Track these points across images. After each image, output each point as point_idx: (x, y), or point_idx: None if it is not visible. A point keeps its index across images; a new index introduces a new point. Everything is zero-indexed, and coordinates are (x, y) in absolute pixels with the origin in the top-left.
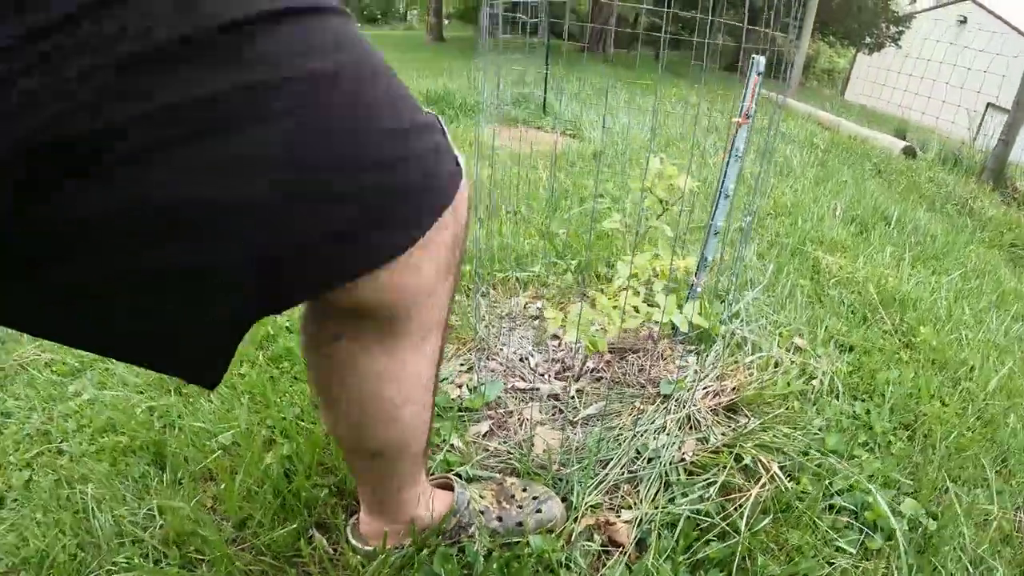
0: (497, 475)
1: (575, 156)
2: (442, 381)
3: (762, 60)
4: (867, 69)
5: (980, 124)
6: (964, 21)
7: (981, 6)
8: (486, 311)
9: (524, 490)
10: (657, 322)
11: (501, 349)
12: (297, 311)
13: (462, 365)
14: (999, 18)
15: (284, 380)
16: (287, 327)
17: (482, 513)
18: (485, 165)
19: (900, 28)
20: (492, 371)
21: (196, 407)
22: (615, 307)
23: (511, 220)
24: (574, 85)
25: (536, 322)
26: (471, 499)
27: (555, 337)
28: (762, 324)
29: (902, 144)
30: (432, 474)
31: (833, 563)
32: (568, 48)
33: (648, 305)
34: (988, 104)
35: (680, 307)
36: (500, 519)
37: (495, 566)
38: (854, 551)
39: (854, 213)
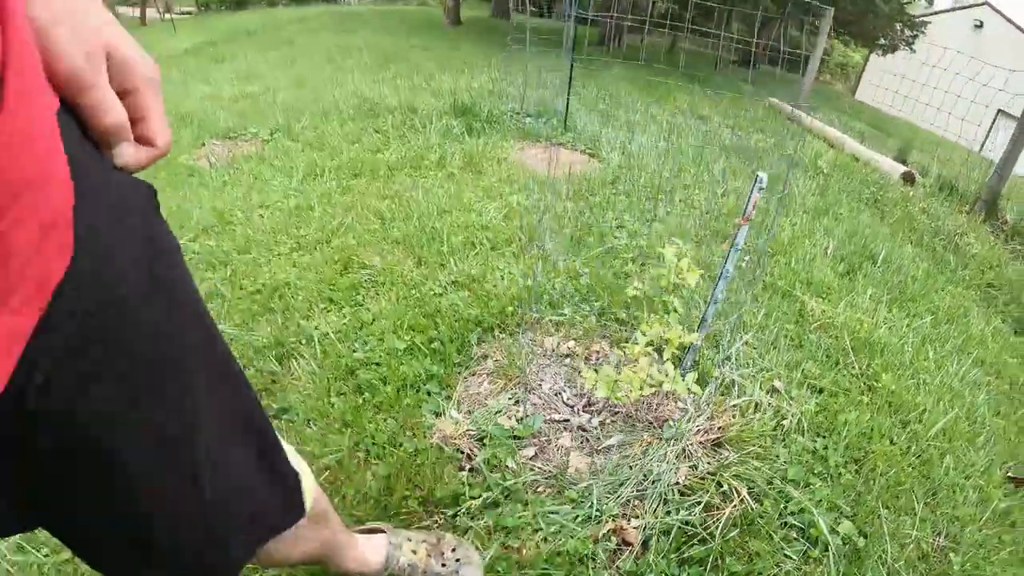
0: (443, 533)
1: (596, 184)
2: (496, 413)
3: (765, 177)
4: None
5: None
6: (980, 26)
7: (997, 11)
8: (528, 352)
9: (454, 550)
10: (667, 388)
11: (540, 384)
12: (380, 343)
13: (510, 399)
14: (1014, 24)
15: (368, 408)
16: (365, 360)
17: (410, 566)
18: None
19: (915, 32)
20: (534, 404)
21: (301, 432)
22: (635, 373)
23: (541, 258)
24: (591, 92)
25: (567, 359)
26: (403, 552)
27: (581, 374)
28: (749, 368)
29: (902, 169)
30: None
31: (781, 566)
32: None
33: (659, 362)
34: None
35: (683, 375)
36: (424, 573)
37: None
38: (797, 559)
39: (844, 252)
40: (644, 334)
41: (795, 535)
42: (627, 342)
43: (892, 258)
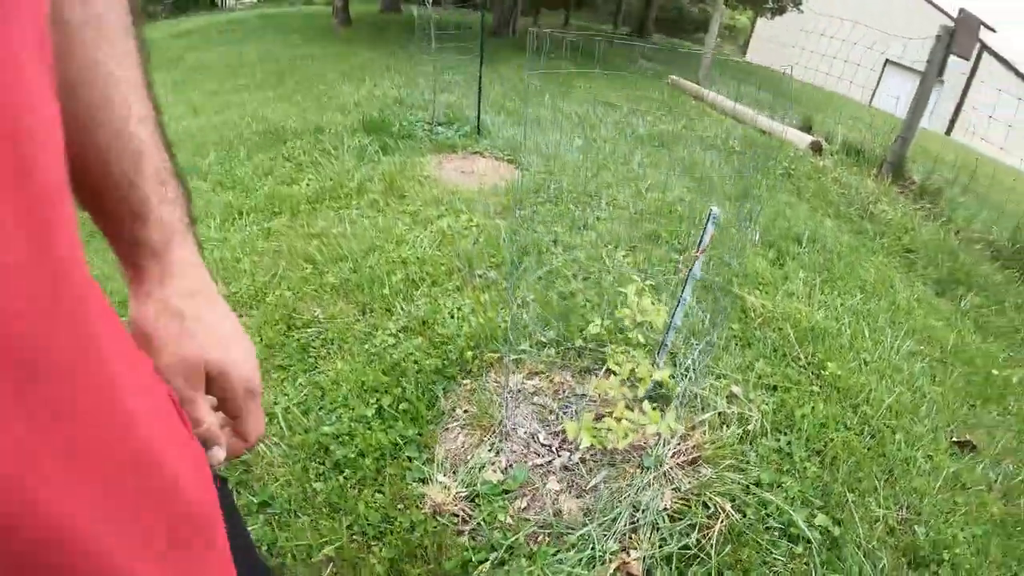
0: None
1: (521, 192)
2: (480, 469)
3: (718, 211)
4: (771, 31)
5: (878, 82)
6: None
7: None
8: (498, 401)
9: None
10: (652, 430)
11: (515, 429)
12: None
13: (490, 450)
14: None
15: (352, 486)
16: (336, 434)
17: None
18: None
19: None
20: (513, 451)
21: (290, 525)
22: (617, 422)
23: (484, 288)
24: (496, 88)
25: (534, 397)
26: None
27: (552, 412)
28: (706, 378)
29: (809, 139)
30: None
31: (772, 568)
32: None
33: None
34: (886, 60)
35: (663, 411)
36: None
37: None
38: (784, 558)
39: (770, 237)
40: (615, 373)
41: (778, 536)
42: (588, 371)
43: (816, 236)
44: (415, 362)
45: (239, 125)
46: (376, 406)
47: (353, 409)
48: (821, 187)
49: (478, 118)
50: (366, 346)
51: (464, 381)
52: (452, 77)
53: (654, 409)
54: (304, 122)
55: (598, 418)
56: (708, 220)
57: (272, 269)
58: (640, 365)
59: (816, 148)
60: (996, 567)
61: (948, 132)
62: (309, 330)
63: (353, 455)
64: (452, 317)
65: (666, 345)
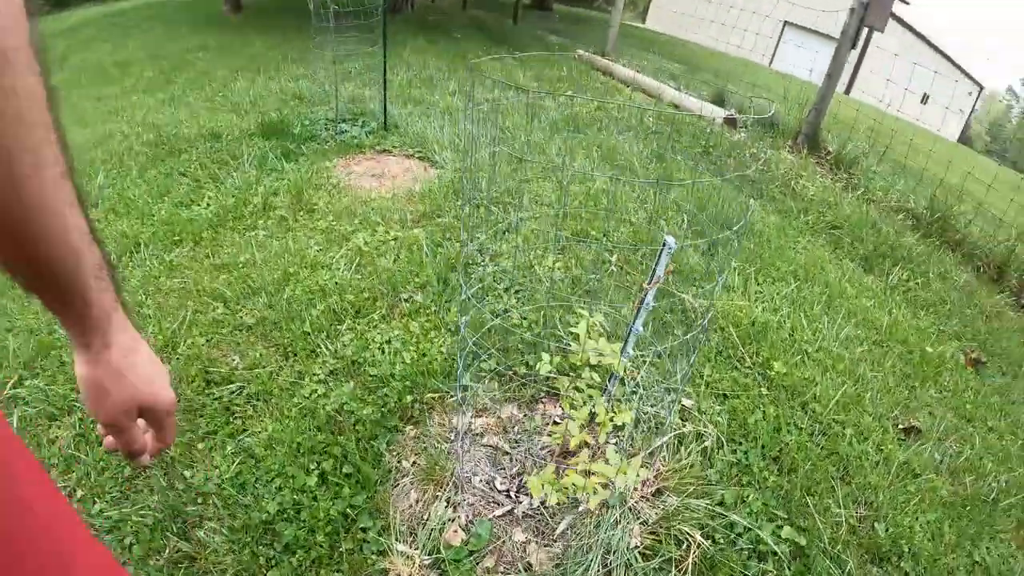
0: None
1: (439, 198)
2: (440, 531)
3: (673, 241)
4: None
5: (778, 43)
6: None
7: None
8: (449, 446)
9: None
10: (621, 482)
11: (469, 479)
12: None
13: (447, 505)
14: None
15: (308, 570)
16: (280, 510)
17: None
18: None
19: None
20: (470, 504)
21: None
22: (585, 474)
23: (412, 313)
24: (401, 75)
25: (482, 438)
26: None
27: (505, 454)
28: (657, 393)
29: (723, 114)
30: None
31: None
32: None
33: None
34: (784, 23)
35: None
36: None
37: None
38: (747, 573)
39: (697, 227)
40: (574, 419)
41: (748, 556)
42: (536, 400)
43: (739, 217)
44: (351, 413)
45: (128, 136)
46: (317, 472)
47: (293, 478)
48: (741, 164)
49: (384, 112)
50: (295, 399)
51: (407, 429)
52: (353, 65)
53: (615, 451)
54: (198, 128)
55: (561, 459)
56: (662, 250)
57: (180, 312)
58: (597, 404)
59: (731, 123)
60: (952, 550)
61: (847, 92)
62: (230, 385)
63: (303, 533)
64: (383, 352)
65: (615, 376)
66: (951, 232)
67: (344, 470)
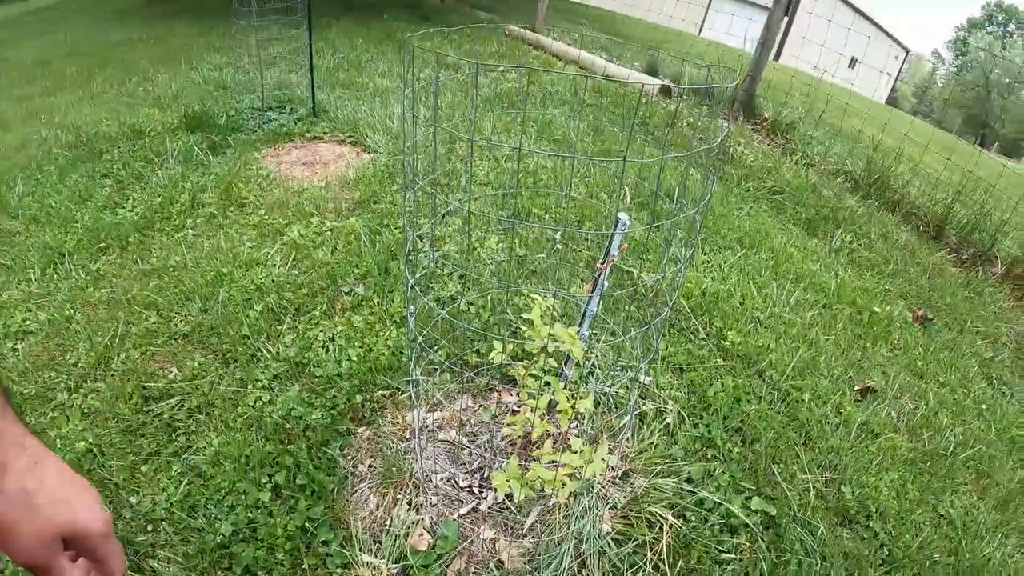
0: None
1: (374, 183)
2: (405, 536)
3: (626, 218)
4: None
5: (706, 13)
6: None
7: None
8: (405, 445)
9: None
10: (589, 471)
11: (429, 478)
12: None
13: (409, 508)
14: None
15: None
16: (235, 531)
17: None
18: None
19: None
20: (433, 504)
21: None
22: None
23: (354, 307)
24: (328, 58)
25: (439, 433)
26: None
27: (463, 448)
28: (614, 375)
29: (659, 83)
30: None
31: (726, 566)
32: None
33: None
34: None
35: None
36: None
37: None
38: (733, 552)
39: (641, 198)
40: (533, 408)
41: (720, 531)
42: (490, 389)
43: (685, 189)
44: (299, 419)
45: (47, 139)
46: (270, 486)
47: (245, 495)
48: (679, 134)
49: (313, 97)
50: (239, 408)
51: (359, 430)
52: (277, 50)
53: (581, 440)
54: (119, 125)
55: (522, 450)
56: (615, 229)
57: (111, 325)
58: (557, 392)
59: (666, 92)
60: (917, 506)
61: (777, 58)
62: (169, 400)
63: (262, 553)
64: (327, 351)
65: (571, 359)
66: (890, 193)
67: (298, 481)
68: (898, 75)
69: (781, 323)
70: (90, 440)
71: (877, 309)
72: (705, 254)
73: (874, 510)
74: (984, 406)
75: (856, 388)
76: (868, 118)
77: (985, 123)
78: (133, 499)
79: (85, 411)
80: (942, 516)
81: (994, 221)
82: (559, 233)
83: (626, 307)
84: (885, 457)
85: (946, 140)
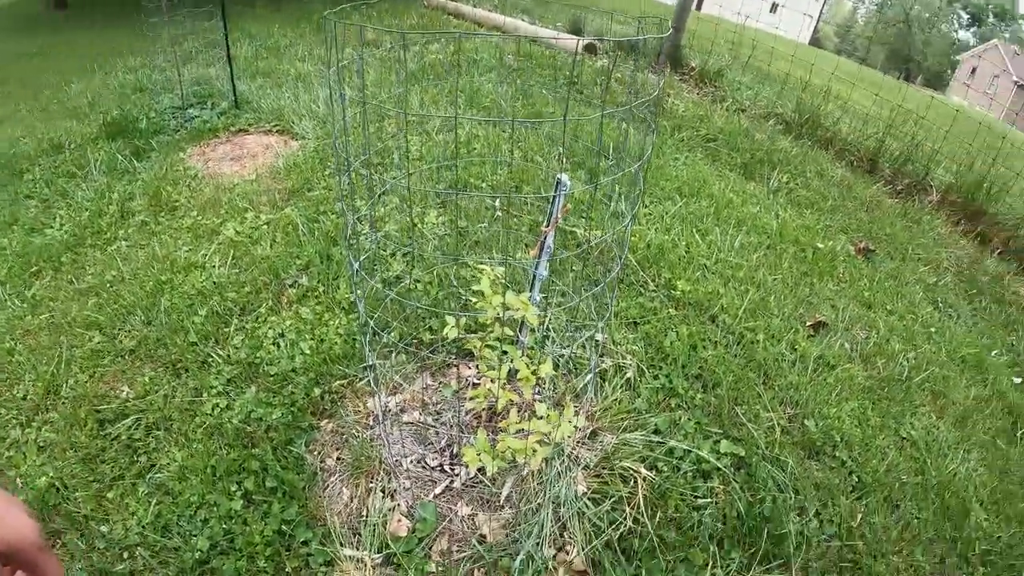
0: None
1: (306, 171)
2: (384, 524)
3: (567, 179)
4: None
5: None
6: None
7: None
8: (370, 433)
9: None
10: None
11: (399, 462)
12: None
13: (384, 495)
14: None
15: None
16: (212, 545)
17: None
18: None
19: None
20: (407, 488)
21: None
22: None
23: (300, 299)
24: (246, 50)
25: (402, 415)
26: None
27: (429, 427)
28: (571, 336)
29: (583, 42)
30: None
31: (702, 511)
32: None
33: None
34: None
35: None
36: None
37: None
38: (708, 496)
39: (577, 157)
40: (494, 379)
41: (693, 477)
42: (448, 365)
43: (619, 145)
44: (259, 421)
45: None
46: (241, 494)
47: (217, 506)
48: (610, 91)
49: (233, 89)
50: (197, 419)
51: (322, 424)
52: (192, 45)
53: (546, 405)
54: (36, 142)
55: (488, 422)
56: (556, 190)
57: (54, 351)
58: (516, 360)
59: (591, 50)
60: (879, 430)
61: (699, 8)
62: (125, 420)
63: (243, 563)
64: (279, 348)
65: (525, 326)
66: (822, 131)
67: (267, 484)
68: (820, 16)
69: (728, 268)
70: (51, 474)
71: (820, 245)
72: (646, 207)
73: (839, 440)
74: (933, 329)
75: (808, 324)
76: (794, 60)
77: (908, 57)
78: (104, 528)
79: (41, 444)
80: (904, 439)
81: (926, 151)
82: (499, 200)
83: (574, 268)
84: (843, 387)
85: (872, 77)
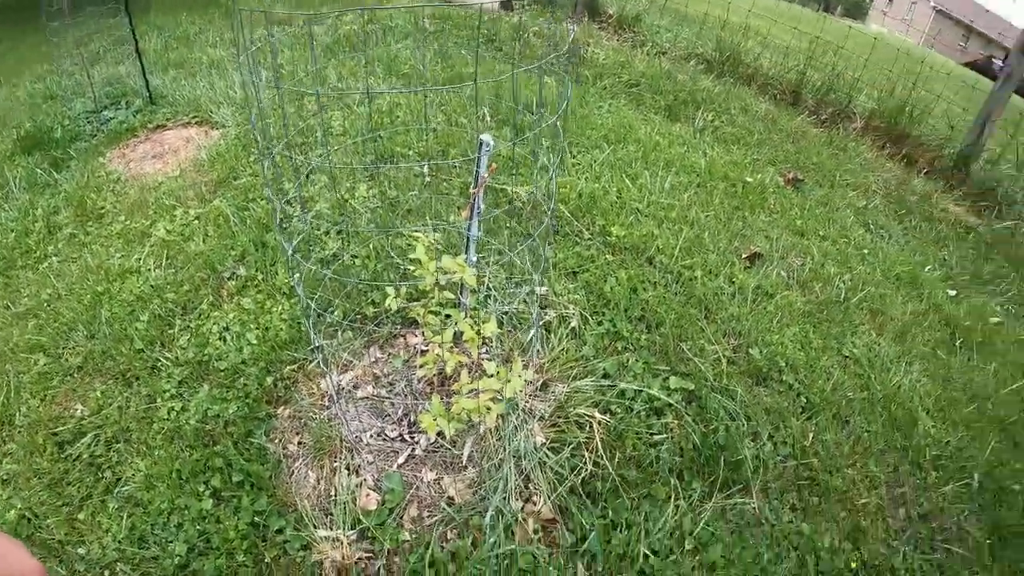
0: None
1: (230, 160)
2: (353, 501)
3: (489, 139)
4: None
5: None
6: None
7: None
8: (327, 414)
9: None
10: (509, 395)
11: (359, 438)
12: None
13: (349, 473)
14: None
15: None
16: (190, 547)
17: None
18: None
19: None
20: (371, 462)
21: None
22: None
23: (240, 290)
24: (155, 43)
25: (355, 391)
26: None
27: (384, 400)
28: (511, 292)
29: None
30: None
31: (659, 447)
32: None
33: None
34: None
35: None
36: None
37: None
38: (664, 432)
39: (500, 115)
40: (440, 344)
41: (647, 415)
42: (394, 336)
43: (542, 98)
44: (217, 418)
45: None
46: (209, 493)
47: (187, 509)
48: (529, 46)
49: (147, 85)
50: (155, 425)
51: (279, 411)
52: (99, 44)
53: (494, 363)
54: None
55: (440, 387)
56: (480, 151)
57: (1, 380)
58: (460, 323)
59: (506, 7)
60: (822, 352)
61: None
62: (84, 438)
63: (223, 561)
64: (225, 342)
65: (465, 288)
66: (743, 68)
67: (234, 479)
68: None
69: (660, 209)
70: (19, 506)
71: (749, 179)
72: (574, 157)
73: (784, 364)
74: (866, 251)
75: (743, 256)
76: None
77: None
78: (81, 551)
79: (4, 478)
80: (847, 357)
81: (847, 80)
82: (426, 167)
83: (507, 224)
84: (784, 314)
85: (791, 11)
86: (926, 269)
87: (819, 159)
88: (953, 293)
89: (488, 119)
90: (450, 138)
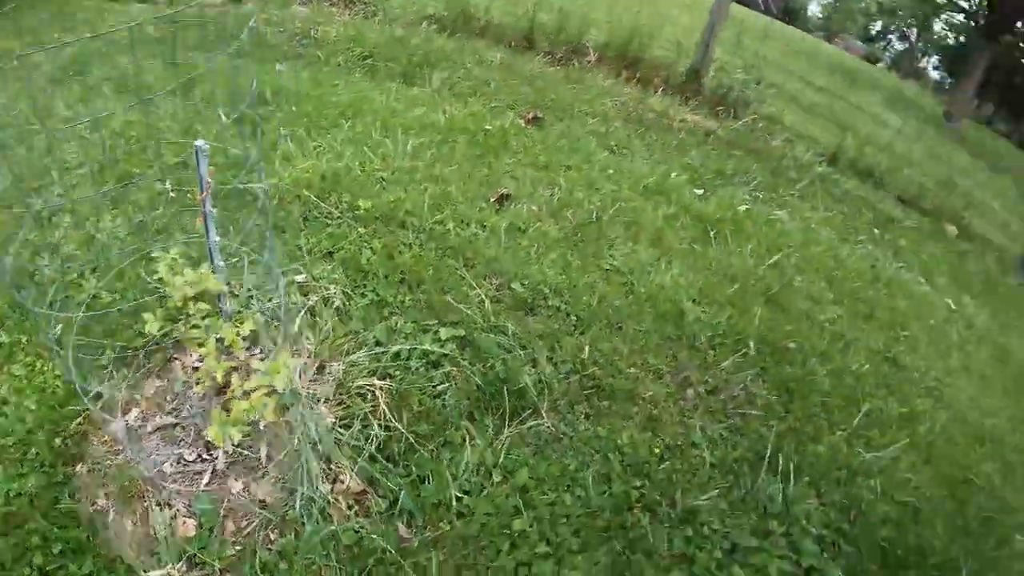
0: None
1: None
2: (172, 535)
3: (204, 144)
4: None
5: None
6: None
7: None
8: (123, 459)
9: None
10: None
11: (160, 471)
12: None
13: (160, 509)
14: None
15: None
16: None
17: None
18: None
19: None
20: (178, 492)
21: None
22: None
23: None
24: None
25: (145, 426)
26: None
27: (174, 425)
28: (270, 287)
29: None
30: None
31: (442, 395)
32: None
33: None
34: None
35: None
36: None
37: None
38: (444, 381)
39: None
40: (205, 357)
41: (426, 368)
42: (168, 361)
43: (279, 88)
44: (19, 495)
45: None
46: (36, 573)
47: None
48: (256, 34)
49: None
50: None
51: (77, 469)
52: None
53: (258, 359)
54: None
55: (221, 396)
56: (197, 156)
57: None
58: (219, 330)
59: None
60: (583, 271)
61: None
62: None
63: None
64: (6, 417)
65: (225, 291)
66: (475, 23)
67: (55, 551)
68: None
69: (405, 174)
70: None
71: (489, 127)
72: (313, 140)
73: (548, 290)
74: (611, 171)
75: (492, 199)
76: None
77: None
78: None
79: None
80: (608, 270)
81: (578, 18)
82: (168, 183)
83: (257, 223)
84: (539, 245)
85: None
86: (672, 176)
87: (557, 95)
88: (700, 192)
89: (224, 118)
90: (189, 147)
